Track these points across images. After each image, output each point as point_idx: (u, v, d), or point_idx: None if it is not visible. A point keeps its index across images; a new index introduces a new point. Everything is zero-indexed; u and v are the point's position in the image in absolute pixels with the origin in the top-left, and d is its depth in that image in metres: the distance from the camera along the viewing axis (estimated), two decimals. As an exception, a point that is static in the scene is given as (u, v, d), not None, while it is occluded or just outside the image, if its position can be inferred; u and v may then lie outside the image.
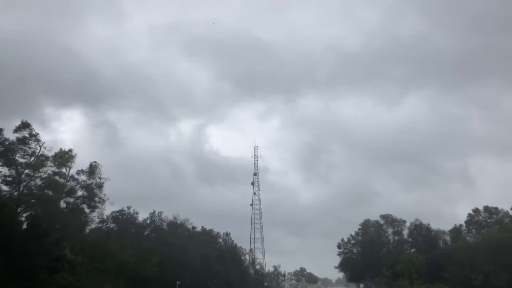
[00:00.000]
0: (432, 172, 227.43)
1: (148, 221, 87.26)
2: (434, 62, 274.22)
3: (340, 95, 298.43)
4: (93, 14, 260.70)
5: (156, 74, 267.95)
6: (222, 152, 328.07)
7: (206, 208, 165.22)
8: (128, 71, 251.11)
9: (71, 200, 57.55)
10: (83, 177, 58.96)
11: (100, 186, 59.34)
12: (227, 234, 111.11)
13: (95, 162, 60.75)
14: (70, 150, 58.18)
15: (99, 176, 59.77)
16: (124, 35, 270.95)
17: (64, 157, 56.76)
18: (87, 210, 60.96)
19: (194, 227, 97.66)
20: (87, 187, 58.24)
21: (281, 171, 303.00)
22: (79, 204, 58.67)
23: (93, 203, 59.38)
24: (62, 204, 57.16)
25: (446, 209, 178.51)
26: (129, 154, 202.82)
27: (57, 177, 56.36)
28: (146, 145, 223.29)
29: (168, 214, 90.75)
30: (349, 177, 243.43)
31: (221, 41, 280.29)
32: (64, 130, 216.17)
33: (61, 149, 58.09)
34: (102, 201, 60.30)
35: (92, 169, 59.45)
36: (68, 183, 57.77)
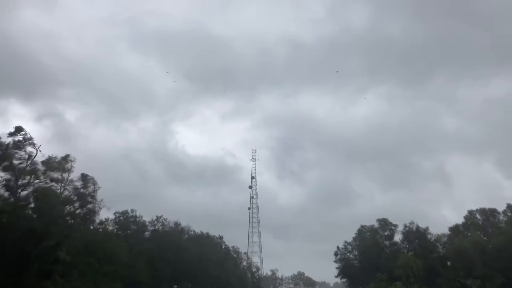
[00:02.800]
0: (408, 171, 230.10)
1: (148, 225, 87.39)
2: (390, 54, 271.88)
3: (301, 90, 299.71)
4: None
5: (104, 67, 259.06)
6: (189, 150, 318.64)
7: (179, 209, 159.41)
8: (74, 63, 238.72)
9: (68, 206, 57.46)
10: (77, 184, 58.95)
11: (93, 196, 59.34)
12: (220, 238, 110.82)
13: (86, 174, 60.32)
14: (67, 156, 58.47)
15: (93, 184, 59.60)
16: (67, 26, 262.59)
17: (62, 163, 56.85)
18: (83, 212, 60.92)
19: (193, 231, 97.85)
20: (79, 195, 58.20)
21: (257, 171, 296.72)
22: (75, 210, 58.66)
23: (87, 210, 59.47)
24: (59, 209, 57.12)
25: (429, 210, 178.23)
26: (80, 150, 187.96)
27: (53, 183, 56.42)
28: (100, 141, 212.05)
29: (167, 217, 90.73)
30: (324, 176, 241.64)
31: (171, 36, 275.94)
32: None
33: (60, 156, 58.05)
34: (98, 209, 60.66)
35: (85, 179, 59.37)
36: (66, 189, 57.88)
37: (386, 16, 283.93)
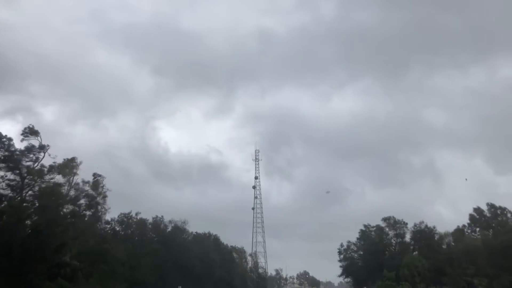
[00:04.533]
0: (397, 168, 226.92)
1: (150, 226, 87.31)
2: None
3: (279, 84, 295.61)
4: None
5: (74, 63, 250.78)
6: (172, 147, 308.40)
7: (164, 207, 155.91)
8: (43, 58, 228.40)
9: (73, 207, 57.48)
10: (85, 187, 58.76)
11: (104, 196, 59.49)
12: (217, 238, 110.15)
13: (99, 174, 60.54)
14: (74, 158, 58.32)
15: (102, 187, 59.61)
16: (34, 20, 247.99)
17: (68, 165, 56.92)
18: (88, 214, 61.06)
19: (195, 232, 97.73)
20: (90, 197, 58.30)
21: (242, 168, 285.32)
22: (81, 211, 58.73)
23: (95, 212, 59.62)
24: (65, 211, 57.21)
25: (423, 208, 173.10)
26: (56, 147, 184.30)
27: (61, 185, 56.29)
28: (77, 138, 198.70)
29: (168, 217, 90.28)
30: (313, 173, 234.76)
31: (142, 31, 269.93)
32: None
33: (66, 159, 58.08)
34: (104, 211, 60.80)
35: (96, 181, 59.31)
36: (71, 191, 57.63)
37: (355, 3, 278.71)
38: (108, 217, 72.17)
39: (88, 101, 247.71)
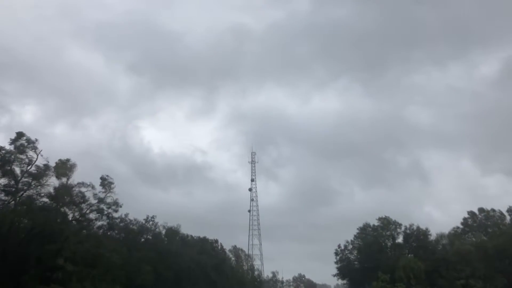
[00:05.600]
0: (385, 168, 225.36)
1: (144, 228, 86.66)
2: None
3: (259, 82, 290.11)
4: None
5: (49, 62, 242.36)
6: (155, 147, 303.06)
7: (150, 208, 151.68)
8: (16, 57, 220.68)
9: (71, 211, 57.31)
10: (84, 189, 58.26)
11: (116, 203, 59.61)
12: (216, 241, 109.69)
13: (107, 175, 60.24)
14: (68, 160, 57.90)
15: (111, 190, 59.36)
16: (4, 18, 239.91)
17: (64, 167, 56.69)
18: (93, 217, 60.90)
19: (189, 235, 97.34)
20: (99, 201, 58.22)
21: (228, 168, 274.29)
22: (84, 214, 58.50)
23: (102, 216, 59.79)
24: (62, 214, 56.89)
25: (412, 209, 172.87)
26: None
27: (58, 187, 56.04)
28: (55, 137, 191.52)
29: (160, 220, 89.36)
30: (300, 173, 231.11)
31: (118, 30, 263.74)
32: None
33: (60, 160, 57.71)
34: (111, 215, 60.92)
35: (104, 183, 59.01)
36: (74, 192, 57.09)
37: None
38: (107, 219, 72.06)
39: (65, 100, 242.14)
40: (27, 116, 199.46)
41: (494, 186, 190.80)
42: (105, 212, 59.76)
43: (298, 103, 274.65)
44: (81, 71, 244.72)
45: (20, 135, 52.86)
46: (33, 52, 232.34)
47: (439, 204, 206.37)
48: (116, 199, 59.67)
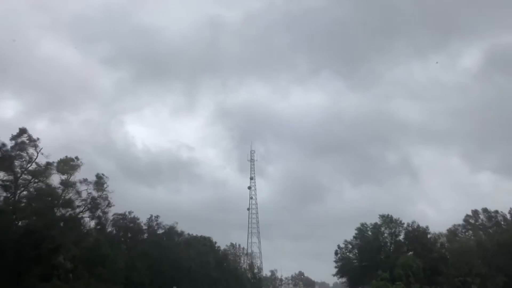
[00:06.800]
0: (374, 164, 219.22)
1: (145, 227, 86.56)
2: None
3: (241, 76, 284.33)
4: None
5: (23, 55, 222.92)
6: (139, 143, 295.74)
7: (137, 205, 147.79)
8: None
9: (70, 209, 57.07)
10: (84, 187, 58.16)
11: (105, 198, 59.25)
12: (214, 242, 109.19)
13: (102, 174, 60.22)
14: (77, 158, 57.85)
15: (106, 187, 59.27)
16: None
17: (69, 164, 56.39)
18: (87, 219, 60.94)
19: (190, 234, 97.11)
20: (92, 200, 58.00)
21: (216, 164, 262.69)
22: (80, 212, 58.42)
23: (96, 213, 59.53)
24: (61, 212, 56.70)
25: (404, 206, 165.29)
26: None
27: (58, 185, 55.83)
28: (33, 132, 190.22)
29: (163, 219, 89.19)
30: (288, 170, 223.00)
31: (96, 24, 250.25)
32: None
33: (66, 156, 57.59)
34: (105, 213, 60.66)
35: (99, 181, 58.84)
36: (71, 191, 56.82)
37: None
38: (105, 217, 71.96)
39: (43, 95, 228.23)
40: (7, 111, 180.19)
41: (483, 184, 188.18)
42: (100, 210, 59.76)
43: (280, 98, 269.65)
44: (58, 65, 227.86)
45: (22, 131, 52.70)
46: (4, 45, 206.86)
47: (430, 201, 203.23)
48: (110, 197, 59.67)
